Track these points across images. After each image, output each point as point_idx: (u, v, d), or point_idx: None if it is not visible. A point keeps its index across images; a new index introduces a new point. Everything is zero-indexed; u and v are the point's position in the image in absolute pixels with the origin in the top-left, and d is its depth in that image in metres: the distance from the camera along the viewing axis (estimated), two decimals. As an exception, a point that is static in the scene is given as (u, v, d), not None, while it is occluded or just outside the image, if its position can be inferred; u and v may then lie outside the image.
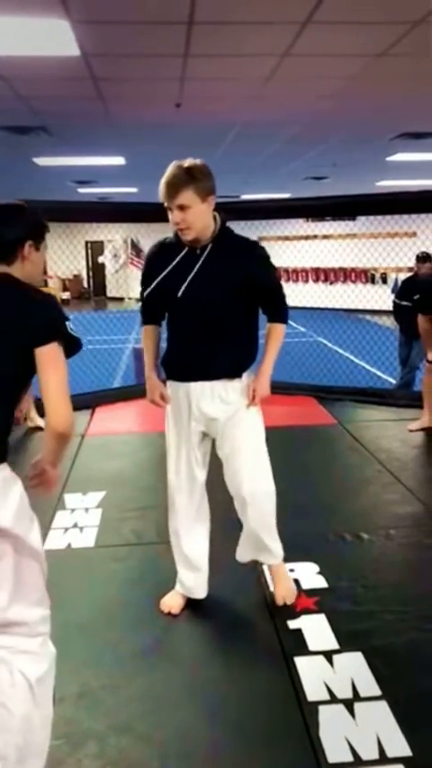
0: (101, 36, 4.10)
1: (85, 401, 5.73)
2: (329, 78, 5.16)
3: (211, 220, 2.29)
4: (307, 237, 15.66)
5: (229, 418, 2.41)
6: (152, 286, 2.40)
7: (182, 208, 2.19)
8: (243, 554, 2.60)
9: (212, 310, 2.32)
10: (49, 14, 3.65)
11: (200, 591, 2.58)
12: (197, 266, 2.29)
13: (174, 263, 2.32)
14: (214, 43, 4.25)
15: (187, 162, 2.21)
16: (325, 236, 15.78)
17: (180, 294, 2.32)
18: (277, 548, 2.57)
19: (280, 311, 2.46)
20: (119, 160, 9.16)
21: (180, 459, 2.51)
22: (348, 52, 4.50)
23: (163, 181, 2.20)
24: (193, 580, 2.56)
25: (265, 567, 2.79)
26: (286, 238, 15.52)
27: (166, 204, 2.23)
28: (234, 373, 2.40)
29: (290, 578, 2.65)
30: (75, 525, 3.31)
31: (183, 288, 2.31)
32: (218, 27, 3.95)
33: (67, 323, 1.67)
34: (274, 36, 4.12)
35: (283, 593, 2.57)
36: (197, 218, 2.21)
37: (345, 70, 4.93)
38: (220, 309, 2.32)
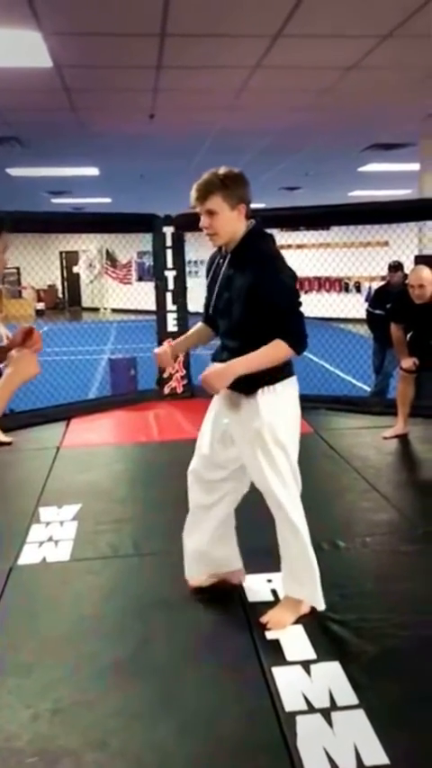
0: (73, 47, 4.11)
1: (59, 413, 5.69)
2: (301, 90, 5.23)
3: (240, 228, 2.28)
4: (281, 247, 15.67)
5: (242, 437, 2.35)
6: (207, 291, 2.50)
7: (210, 213, 2.22)
8: None
9: (228, 319, 2.34)
10: (20, 26, 3.65)
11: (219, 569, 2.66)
12: (220, 274, 2.34)
13: (213, 270, 2.41)
14: (186, 55, 4.28)
15: (222, 169, 2.24)
16: (299, 246, 15.91)
17: (210, 299, 2.42)
18: (295, 586, 2.49)
19: (283, 329, 2.22)
20: (93, 171, 9.16)
21: (199, 449, 2.53)
22: (319, 65, 4.57)
23: (194, 185, 2.23)
24: (196, 566, 2.67)
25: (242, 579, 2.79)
26: (261, 248, 15.58)
27: (197, 209, 2.26)
28: (243, 388, 2.28)
29: (290, 616, 2.46)
30: (50, 539, 3.27)
31: (211, 293, 2.41)
32: (190, 39, 3.98)
33: None
34: (246, 48, 4.17)
35: (272, 617, 2.46)
36: (224, 224, 2.23)
37: (316, 82, 5.01)
38: (235, 320, 2.31)
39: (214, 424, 2.46)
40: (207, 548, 2.61)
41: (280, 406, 2.30)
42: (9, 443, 4.90)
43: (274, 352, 2.22)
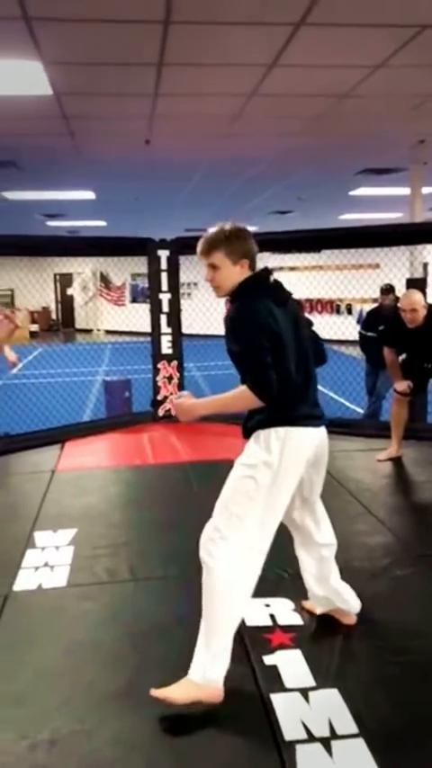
0: (72, 76, 4.18)
1: (54, 436, 5.68)
2: (295, 117, 5.32)
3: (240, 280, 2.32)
4: (274, 269, 15.90)
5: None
6: None
7: (213, 267, 2.30)
8: None
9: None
10: (22, 56, 3.71)
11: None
12: None
13: None
14: (183, 83, 4.36)
15: (228, 225, 2.33)
16: (291, 269, 16.05)
17: None
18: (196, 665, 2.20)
19: (247, 377, 2.21)
20: (89, 194, 9.23)
21: None
22: (312, 93, 4.65)
23: (201, 240, 2.32)
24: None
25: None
26: (254, 270, 15.70)
27: (203, 262, 2.34)
28: (244, 432, 2.33)
29: (180, 693, 2.14)
30: (45, 564, 3.24)
31: None
32: (186, 68, 4.05)
33: None
34: (241, 77, 4.24)
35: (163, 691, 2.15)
36: (226, 279, 2.31)
37: (309, 110, 5.09)
38: (237, 368, 2.30)
39: None
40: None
41: (266, 451, 2.25)
42: None
43: (238, 396, 2.23)
